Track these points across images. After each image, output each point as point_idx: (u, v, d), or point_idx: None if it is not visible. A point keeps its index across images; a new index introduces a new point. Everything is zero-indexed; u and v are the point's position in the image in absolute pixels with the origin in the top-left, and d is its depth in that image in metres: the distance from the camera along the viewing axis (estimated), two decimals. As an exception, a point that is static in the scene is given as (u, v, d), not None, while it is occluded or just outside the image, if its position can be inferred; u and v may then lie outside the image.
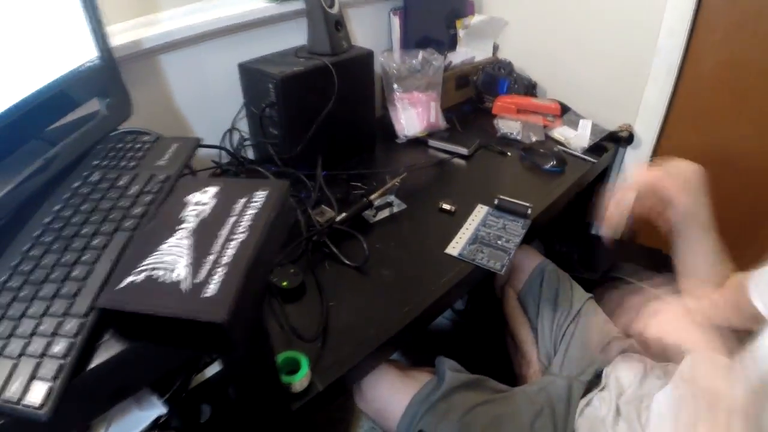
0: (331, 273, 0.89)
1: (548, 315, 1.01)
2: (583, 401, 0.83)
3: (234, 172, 1.05)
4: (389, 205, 1.06)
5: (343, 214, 0.97)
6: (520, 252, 1.05)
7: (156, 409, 0.58)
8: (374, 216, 1.02)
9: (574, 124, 1.33)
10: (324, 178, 1.05)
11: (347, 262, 0.90)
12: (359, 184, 1.12)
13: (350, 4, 1.26)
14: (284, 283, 0.82)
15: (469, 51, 1.51)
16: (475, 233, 0.96)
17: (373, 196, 1.00)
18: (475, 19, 1.49)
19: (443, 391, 0.83)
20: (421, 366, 0.92)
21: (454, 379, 0.84)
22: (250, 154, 1.20)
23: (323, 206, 1.02)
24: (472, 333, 1.49)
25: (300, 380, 0.67)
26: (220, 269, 0.40)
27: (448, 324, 1.60)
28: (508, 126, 1.35)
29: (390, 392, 0.87)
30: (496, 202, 1.03)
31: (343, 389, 0.75)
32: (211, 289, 0.39)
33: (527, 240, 0.96)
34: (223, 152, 1.09)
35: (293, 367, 0.69)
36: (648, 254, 1.31)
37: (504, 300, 1.08)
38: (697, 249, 0.72)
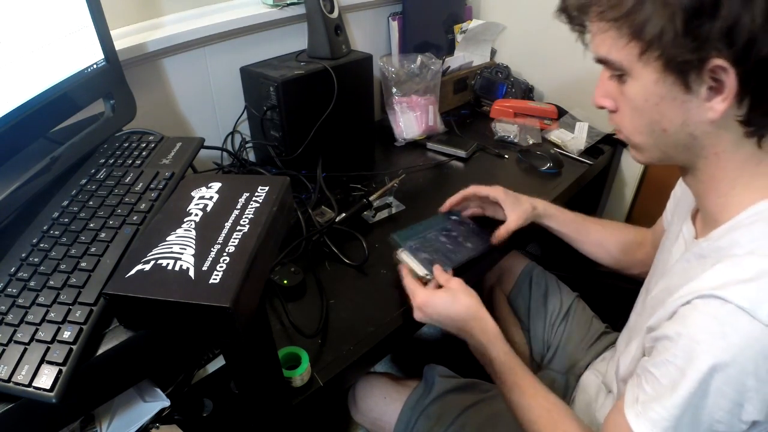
0: (331, 272, 0.90)
1: (540, 315, 1.02)
2: (575, 393, 0.85)
3: (235, 173, 1.06)
4: (388, 206, 1.07)
5: (343, 215, 0.98)
6: (507, 256, 1.07)
7: (159, 401, 0.59)
8: (373, 217, 1.04)
9: (570, 127, 1.35)
10: (324, 179, 1.06)
11: (347, 261, 0.91)
12: (359, 186, 1.14)
13: (350, 9, 1.28)
14: (285, 282, 0.83)
15: (466, 55, 1.53)
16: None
17: (372, 197, 1.02)
18: (472, 24, 1.51)
19: (434, 395, 0.84)
20: (414, 377, 0.93)
21: (444, 384, 0.85)
22: (251, 156, 1.22)
23: (323, 207, 1.03)
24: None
25: (301, 375, 0.68)
26: (225, 258, 0.42)
27: (439, 332, 1.61)
28: (506, 129, 1.37)
29: (384, 402, 0.88)
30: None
31: (342, 385, 0.76)
32: (217, 276, 0.40)
33: (522, 243, 0.97)
34: (225, 154, 1.10)
35: (294, 363, 0.70)
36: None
37: (494, 303, 1.10)
38: (562, 220, 0.93)
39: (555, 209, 0.93)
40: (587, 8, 0.51)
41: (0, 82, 0.53)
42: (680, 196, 0.72)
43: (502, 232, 0.88)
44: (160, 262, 0.42)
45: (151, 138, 0.68)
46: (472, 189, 0.94)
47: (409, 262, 0.85)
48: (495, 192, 0.92)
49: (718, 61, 0.43)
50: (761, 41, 0.42)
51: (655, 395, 0.47)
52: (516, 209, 0.89)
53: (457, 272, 0.87)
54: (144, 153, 0.64)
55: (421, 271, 0.84)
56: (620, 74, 0.51)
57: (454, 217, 0.97)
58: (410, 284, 0.77)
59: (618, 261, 0.91)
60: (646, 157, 0.56)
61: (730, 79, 0.44)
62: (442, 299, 0.73)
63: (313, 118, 1.10)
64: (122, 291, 0.40)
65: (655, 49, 0.46)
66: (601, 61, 0.53)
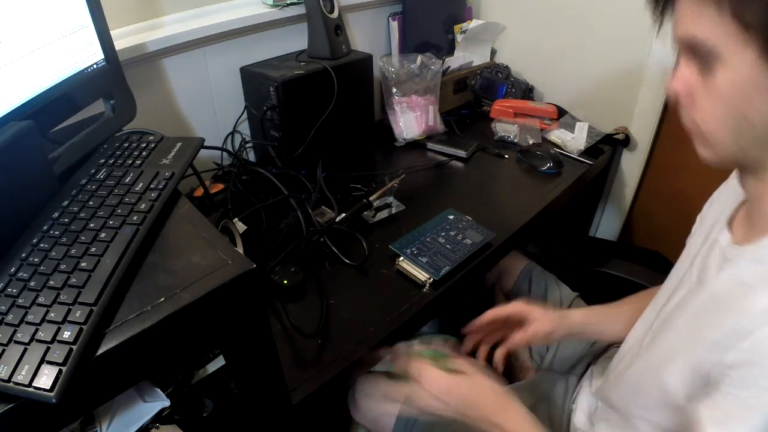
0: (331, 272, 0.90)
1: None
2: (576, 393, 0.85)
3: (235, 173, 1.06)
4: (388, 206, 1.07)
5: (343, 215, 0.98)
6: (507, 255, 1.07)
7: (159, 401, 0.59)
8: (373, 217, 1.04)
9: (570, 127, 1.35)
10: (324, 179, 1.06)
11: (347, 261, 0.91)
12: (359, 186, 1.14)
13: (350, 9, 1.28)
14: (285, 282, 0.83)
15: (467, 55, 1.53)
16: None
17: (372, 197, 1.02)
18: (473, 24, 1.51)
19: None
20: None
21: None
22: (251, 156, 1.22)
23: (323, 207, 1.03)
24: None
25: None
26: None
27: (439, 331, 1.60)
28: (506, 129, 1.37)
29: (384, 402, 0.88)
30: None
31: (342, 384, 0.76)
32: None
33: (522, 243, 0.97)
34: (225, 154, 1.10)
35: None
36: (645, 255, 1.33)
37: (494, 302, 1.10)
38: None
39: (581, 315, 0.85)
40: None
41: (0, 82, 0.53)
42: (705, 212, 0.69)
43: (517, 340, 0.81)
44: None
45: (151, 138, 0.68)
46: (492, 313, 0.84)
47: (409, 269, 0.85)
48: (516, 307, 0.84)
49: None
50: None
51: (738, 414, 0.44)
52: (544, 314, 0.82)
53: (459, 269, 0.88)
54: (144, 153, 0.64)
55: (423, 276, 0.84)
56: (706, 60, 0.46)
57: (450, 217, 0.98)
58: (424, 369, 0.68)
59: None
60: (719, 155, 0.50)
61: None
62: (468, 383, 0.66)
63: (313, 118, 1.10)
64: None
65: (759, 27, 0.41)
66: (686, 43, 0.47)
